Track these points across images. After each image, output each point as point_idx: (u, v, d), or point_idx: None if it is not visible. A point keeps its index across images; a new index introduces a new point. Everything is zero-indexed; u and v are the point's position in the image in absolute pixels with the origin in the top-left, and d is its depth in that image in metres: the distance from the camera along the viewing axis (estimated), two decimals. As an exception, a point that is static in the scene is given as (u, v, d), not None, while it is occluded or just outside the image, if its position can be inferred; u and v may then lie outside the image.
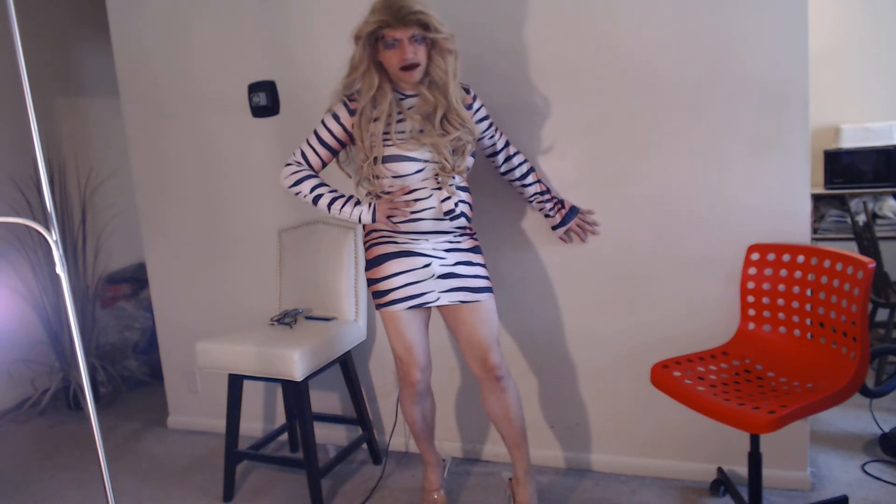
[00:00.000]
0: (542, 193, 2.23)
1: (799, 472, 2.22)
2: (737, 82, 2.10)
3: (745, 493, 2.09)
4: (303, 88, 2.61)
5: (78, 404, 3.43)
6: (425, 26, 1.85)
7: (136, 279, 3.90)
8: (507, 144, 2.18)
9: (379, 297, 2.02)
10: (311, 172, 2.04)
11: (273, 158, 2.71)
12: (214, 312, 2.95)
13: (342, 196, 2.01)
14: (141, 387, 3.70)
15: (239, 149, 2.78)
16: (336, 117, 1.99)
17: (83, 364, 1.62)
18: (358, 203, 2.00)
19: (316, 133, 2.03)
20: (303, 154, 2.04)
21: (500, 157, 2.18)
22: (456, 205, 1.98)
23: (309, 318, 2.56)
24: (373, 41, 1.89)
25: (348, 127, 1.99)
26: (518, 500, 2.11)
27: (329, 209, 2.01)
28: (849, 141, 3.80)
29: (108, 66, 3.00)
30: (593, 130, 2.26)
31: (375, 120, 1.93)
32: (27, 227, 1.95)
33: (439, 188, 1.97)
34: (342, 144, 2.04)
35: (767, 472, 2.13)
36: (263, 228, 2.80)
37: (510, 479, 2.20)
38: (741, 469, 2.24)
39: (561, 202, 2.26)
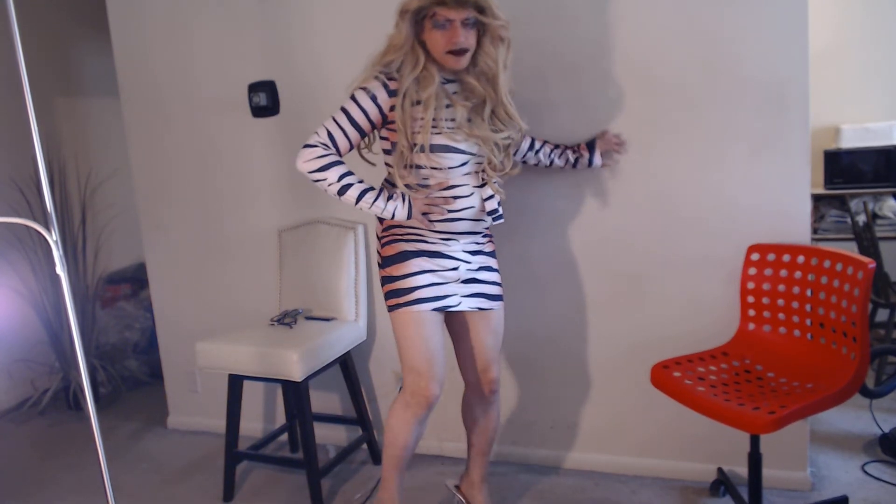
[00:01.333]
0: (556, 147, 2.18)
1: (799, 472, 2.22)
2: (737, 82, 2.10)
3: (745, 494, 2.09)
4: (303, 88, 2.61)
5: (78, 404, 3.43)
6: (481, 10, 1.70)
7: (136, 279, 3.90)
8: None
9: (399, 296, 1.83)
10: (339, 158, 1.76)
11: (273, 158, 2.71)
12: (214, 312, 2.95)
13: (372, 188, 1.78)
14: (141, 387, 3.69)
15: (239, 149, 2.78)
16: (373, 97, 1.75)
17: (83, 364, 1.61)
18: (391, 197, 1.79)
19: (346, 111, 1.76)
20: (329, 135, 1.76)
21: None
22: (499, 204, 1.87)
23: (309, 318, 2.56)
24: (419, 18, 1.72)
25: (385, 108, 1.76)
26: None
27: (357, 202, 1.76)
28: (849, 141, 3.80)
29: (108, 66, 3.00)
30: (593, 130, 2.26)
31: (418, 103, 1.74)
32: (27, 227, 1.95)
33: (480, 185, 1.84)
34: (373, 127, 1.80)
35: (767, 473, 2.12)
36: (263, 228, 2.80)
37: (457, 486, 2.18)
38: (741, 469, 2.24)
39: (574, 145, 2.20)
